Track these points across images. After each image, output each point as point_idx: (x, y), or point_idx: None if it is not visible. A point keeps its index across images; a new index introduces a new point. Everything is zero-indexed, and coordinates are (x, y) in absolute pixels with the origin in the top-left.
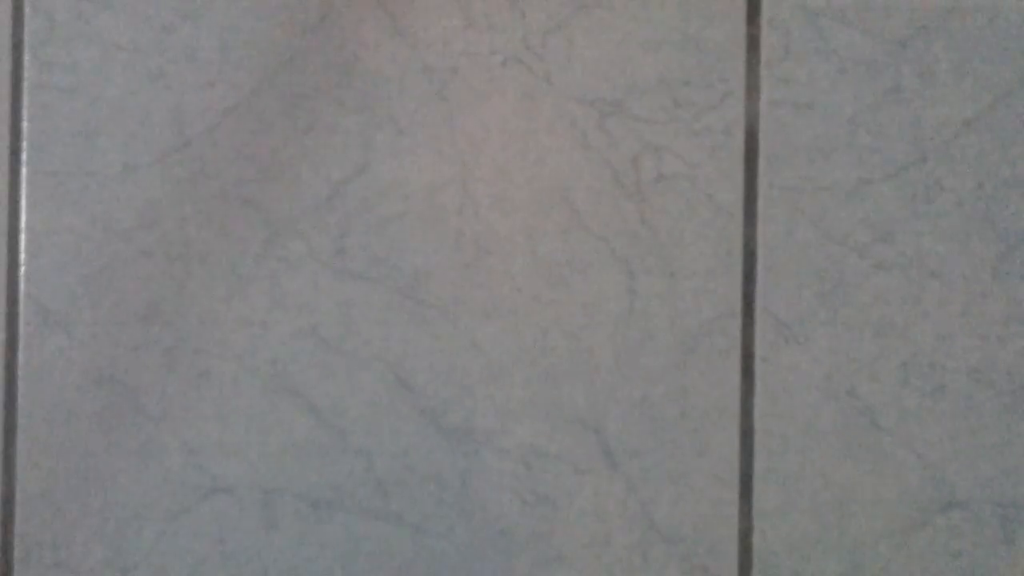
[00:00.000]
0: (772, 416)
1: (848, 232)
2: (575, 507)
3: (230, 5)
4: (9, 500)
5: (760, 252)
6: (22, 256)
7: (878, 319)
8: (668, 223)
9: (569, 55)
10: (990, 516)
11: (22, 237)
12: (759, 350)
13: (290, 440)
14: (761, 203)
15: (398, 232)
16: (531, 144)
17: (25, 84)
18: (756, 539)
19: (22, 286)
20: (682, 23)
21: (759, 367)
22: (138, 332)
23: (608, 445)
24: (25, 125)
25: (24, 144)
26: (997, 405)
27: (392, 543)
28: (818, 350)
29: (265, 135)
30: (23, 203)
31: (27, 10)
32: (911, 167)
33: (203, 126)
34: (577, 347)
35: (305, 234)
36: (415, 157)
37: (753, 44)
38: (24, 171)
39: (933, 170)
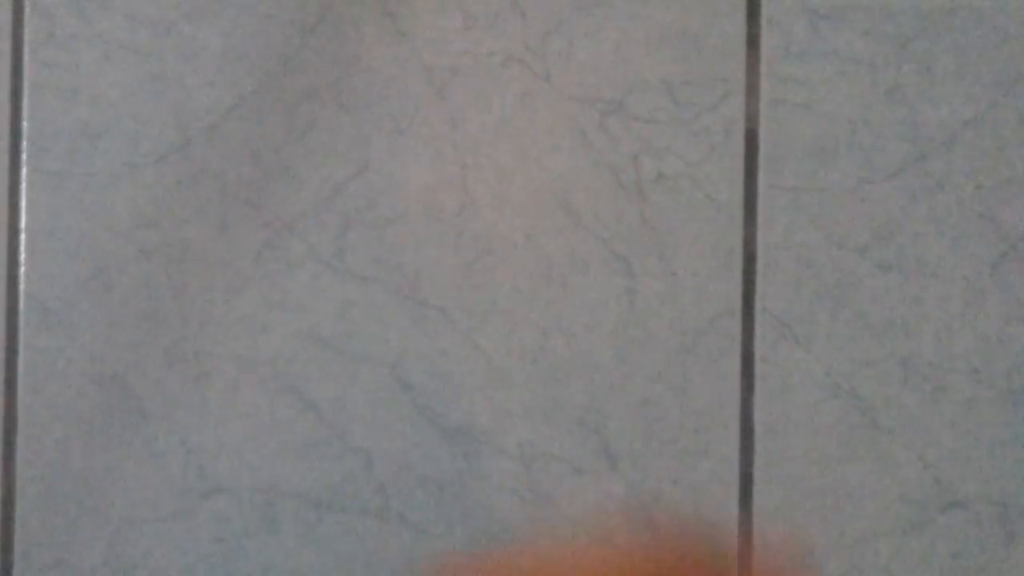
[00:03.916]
0: (772, 416)
1: (848, 232)
2: (575, 507)
3: (230, 5)
4: (9, 500)
5: (760, 252)
6: (22, 256)
7: (878, 319)
8: (668, 223)
9: (569, 55)
10: (990, 516)
11: (22, 237)
12: (759, 350)
13: (290, 440)
14: (761, 203)
15: (398, 232)
16: (531, 144)
17: (25, 84)
18: (756, 539)
19: (22, 286)
20: (682, 23)
21: (759, 367)
22: (138, 332)
23: (608, 445)
24: (25, 125)
25: (24, 144)
26: (997, 405)
27: (392, 543)
28: (818, 350)
29: (265, 135)
30: (23, 203)
31: (27, 10)
32: (911, 167)
33: (203, 126)
34: (577, 347)
35: (305, 234)
36: (415, 157)
37: (753, 44)
38: (24, 171)
39: (933, 170)
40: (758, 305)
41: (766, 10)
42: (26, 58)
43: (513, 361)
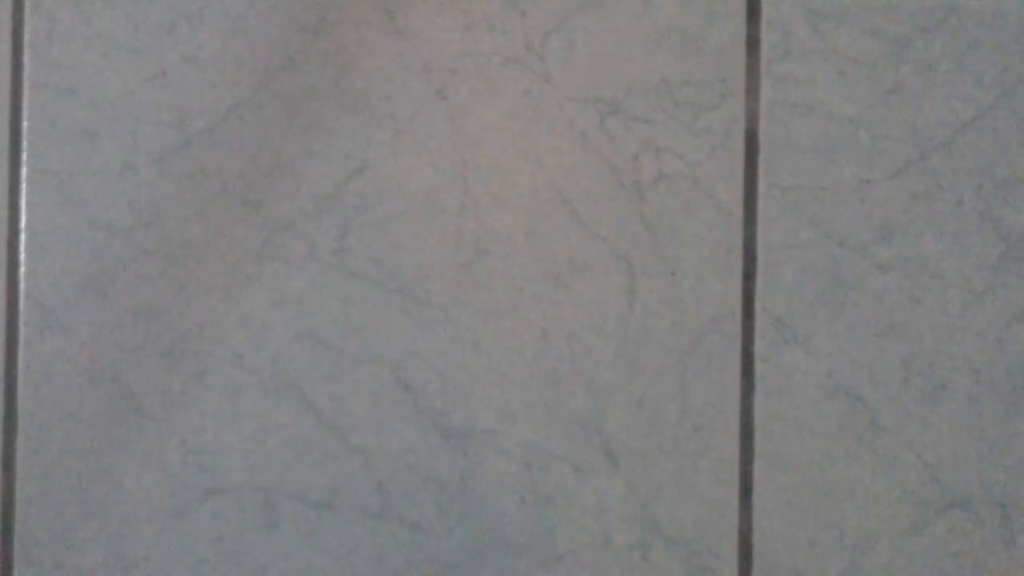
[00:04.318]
0: (772, 416)
1: (848, 232)
2: (575, 507)
3: (230, 5)
4: (9, 500)
5: (760, 252)
6: (22, 256)
7: (878, 319)
8: (668, 223)
9: (569, 55)
10: (990, 516)
11: (22, 237)
12: (759, 350)
13: (290, 440)
14: (761, 203)
15: (398, 232)
16: (531, 144)
17: (25, 84)
18: (756, 539)
19: (22, 286)
20: (682, 23)
21: (759, 367)
22: (138, 332)
23: (608, 445)
24: (25, 125)
25: (24, 144)
26: (997, 405)
27: (392, 543)
28: (818, 350)
29: (265, 135)
30: (23, 203)
31: (27, 10)
32: (911, 167)
33: (203, 126)
34: (577, 347)
35: (305, 234)
36: (415, 157)
37: (753, 44)
38: (24, 171)
39: (933, 170)
40: (758, 305)
41: (766, 10)
42: (26, 58)
43: (513, 361)
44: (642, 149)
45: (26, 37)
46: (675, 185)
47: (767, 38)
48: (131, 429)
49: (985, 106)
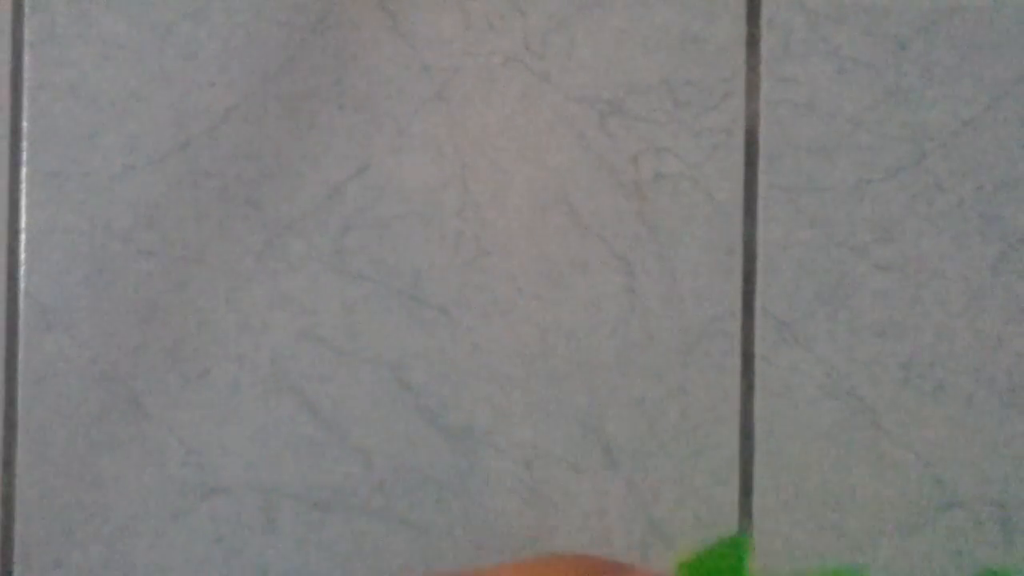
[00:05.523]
0: (772, 416)
1: (848, 232)
2: (575, 507)
3: (230, 5)
4: (9, 500)
5: (760, 252)
6: (22, 256)
7: (878, 319)
8: (668, 223)
9: (569, 55)
10: (990, 516)
11: (22, 237)
12: (759, 350)
13: (290, 440)
14: (761, 203)
15: (398, 232)
16: (531, 144)
17: (25, 84)
18: (756, 538)
19: (22, 286)
20: (682, 23)
21: (759, 367)
22: (138, 332)
23: (608, 445)
24: (25, 125)
25: (24, 144)
26: (997, 405)
27: (392, 543)
28: (818, 350)
29: (265, 135)
30: (23, 203)
31: (27, 10)
32: (911, 167)
33: (203, 126)
34: (577, 347)
35: (305, 234)
36: (415, 157)
37: (753, 44)
38: (24, 171)
39: (933, 170)
40: (758, 305)
41: (766, 10)
42: (26, 58)
43: (513, 361)
44: (642, 149)
45: (26, 37)
46: (675, 185)
47: (767, 38)
48: (131, 429)
49: (985, 106)
